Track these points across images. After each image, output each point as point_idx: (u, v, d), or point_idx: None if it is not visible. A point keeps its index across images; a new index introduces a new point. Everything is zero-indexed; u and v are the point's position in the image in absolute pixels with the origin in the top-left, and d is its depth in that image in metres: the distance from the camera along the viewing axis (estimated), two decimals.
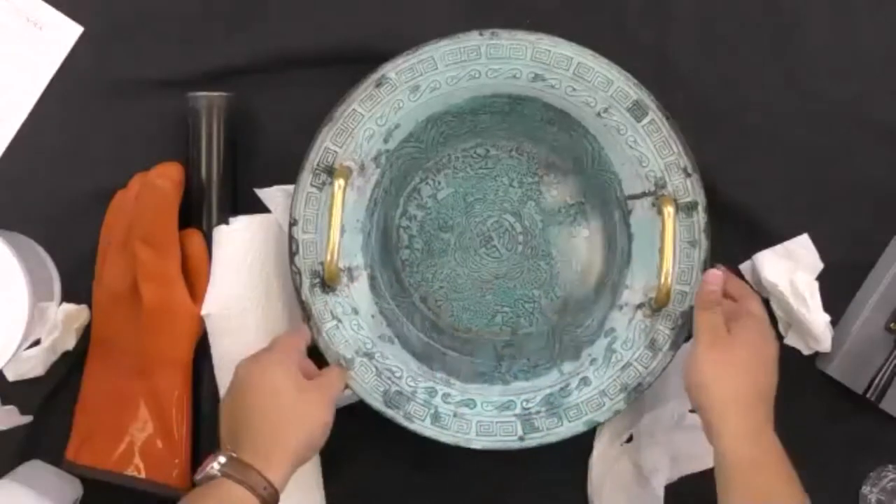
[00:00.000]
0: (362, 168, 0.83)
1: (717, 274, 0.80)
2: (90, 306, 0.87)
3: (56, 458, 0.86)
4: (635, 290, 0.85)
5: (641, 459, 0.88)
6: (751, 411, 0.77)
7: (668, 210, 0.81)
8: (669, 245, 0.81)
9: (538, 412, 0.84)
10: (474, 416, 0.84)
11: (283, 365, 0.76)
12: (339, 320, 0.83)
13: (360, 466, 0.89)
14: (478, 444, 0.84)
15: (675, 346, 0.83)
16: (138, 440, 0.85)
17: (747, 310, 0.81)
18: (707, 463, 0.88)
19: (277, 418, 0.74)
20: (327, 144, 0.81)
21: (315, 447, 0.77)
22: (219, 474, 0.71)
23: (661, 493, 0.88)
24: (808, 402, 0.91)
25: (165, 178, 0.84)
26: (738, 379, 0.77)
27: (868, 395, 0.89)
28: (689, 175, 0.82)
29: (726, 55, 0.91)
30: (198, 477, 0.72)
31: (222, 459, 0.72)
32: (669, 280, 0.81)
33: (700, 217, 0.83)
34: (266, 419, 0.74)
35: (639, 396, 0.84)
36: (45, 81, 0.88)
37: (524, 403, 0.85)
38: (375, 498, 0.90)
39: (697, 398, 0.78)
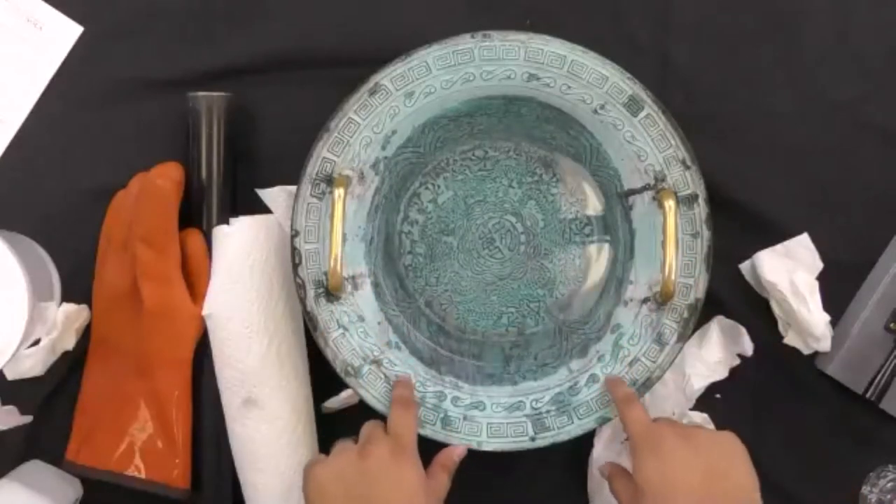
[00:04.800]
0: (361, 176, 0.83)
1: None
2: (90, 306, 0.87)
3: (56, 458, 0.86)
4: (639, 284, 0.85)
5: None
6: None
7: (669, 203, 0.81)
8: (672, 238, 0.81)
9: (548, 411, 0.84)
10: (484, 418, 0.84)
11: (418, 468, 0.74)
12: (346, 329, 0.83)
13: None
14: (489, 445, 0.84)
15: (681, 338, 0.83)
16: (138, 440, 0.85)
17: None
18: None
19: None
20: (325, 154, 0.81)
21: None
22: None
23: None
24: (808, 402, 0.91)
25: (165, 178, 0.84)
26: None
27: (868, 395, 0.89)
28: (688, 167, 0.83)
29: (726, 55, 0.91)
30: None
31: None
32: (673, 273, 0.81)
33: (701, 208, 0.83)
34: None
35: (648, 391, 0.84)
36: (45, 81, 0.88)
37: (533, 403, 0.85)
38: None
39: None
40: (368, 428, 0.78)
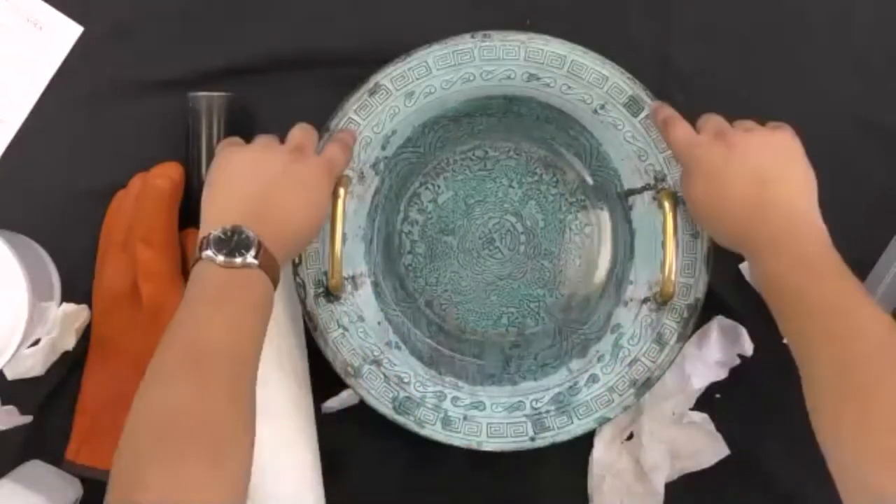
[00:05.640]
0: (361, 176, 0.83)
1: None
2: (90, 306, 0.87)
3: (56, 458, 0.86)
4: (639, 284, 0.85)
5: (642, 457, 0.88)
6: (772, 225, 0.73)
7: (669, 203, 0.81)
8: (671, 238, 0.81)
9: (548, 411, 0.84)
10: (484, 418, 0.84)
11: (329, 191, 0.77)
12: (346, 329, 0.83)
13: (360, 466, 0.89)
14: (489, 445, 0.84)
15: (681, 338, 0.83)
16: None
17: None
18: (707, 461, 0.88)
19: (308, 222, 0.75)
20: None
21: None
22: (256, 264, 0.69)
23: (661, 490, 0.88)
24: None
25: (165, 178, 0.84)
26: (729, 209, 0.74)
27: None
28: None
29: (727, 55, 0.91)
30: (228, 260, 0.69)
31: (252, 251, 0.69)
32: (673, 273, 0.81)
33: None
34: (297, 219, 0.74)
35: (648, 391, 0.84)
36: (45, 81, 0.88)
37: (533, 403, 0.85)
38: (375, 498, 0.90)
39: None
40: (302, 138, 0.77)
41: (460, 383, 0.85)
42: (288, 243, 0.74)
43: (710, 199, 0.75)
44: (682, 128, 0.78)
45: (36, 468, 0.86)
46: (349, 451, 0.88)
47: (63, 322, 0.86)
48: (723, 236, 0.78)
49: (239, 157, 0.75)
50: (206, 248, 0.69)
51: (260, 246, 0.69)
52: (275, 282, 0.71)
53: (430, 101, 0.83)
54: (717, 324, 0.89)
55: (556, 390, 0.85)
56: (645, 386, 0.83)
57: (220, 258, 0.69)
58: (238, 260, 0.69)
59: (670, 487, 0.89)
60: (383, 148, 0.83)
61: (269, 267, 0.70)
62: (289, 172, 0.74)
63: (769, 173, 0.74)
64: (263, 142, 0.77)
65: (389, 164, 0.85)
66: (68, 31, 0.88)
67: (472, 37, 0.81)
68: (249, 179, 0.74)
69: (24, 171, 0.88)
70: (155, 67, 0.88)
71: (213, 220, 0.72)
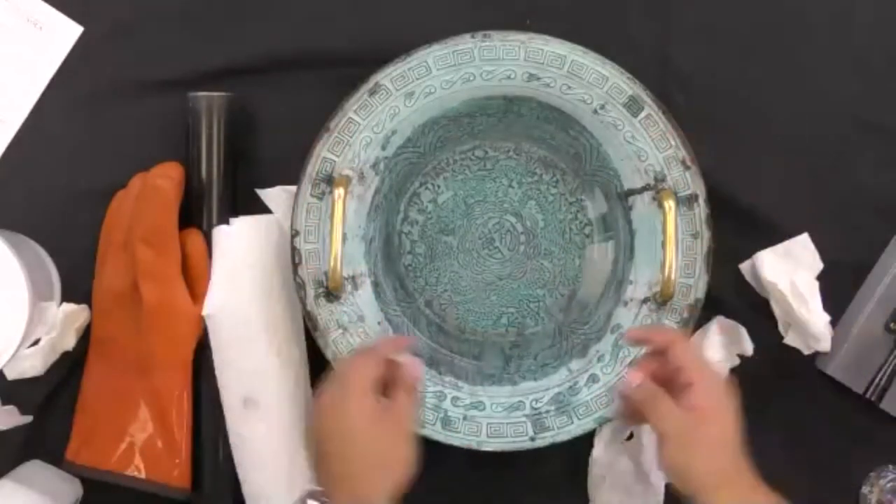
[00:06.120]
0: (361, 176, 0.83)
1: (635, 375, 0.78)
2: (90, 306, 0.87)
3: (56, 458, 0.86)
4: (639, 285, 0.85)
5: (642, 457, 0.88)
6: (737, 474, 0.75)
7: (669, 204, 0.81)
8: (672, 238, 0.81)
9: (547, 411, 0.84)
10: (484, 418, 0.84)
11: (356, 402, 0.73)
12: (346, 329, 0.83)
13: None
14: (489, 446, 0.84)
15: None
16: (138, 440, 0.85)
17: (682, 368, 0.76)
18: None
19: (362, 464, 0.73)
20: (325, 154, 0.81)
21: (404, 481, 0.74)
22: None
23: (661, 490, 0.89)
24: (808, 402, 0.91)
25: (165, 178, 0.84)
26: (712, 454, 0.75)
27: (868, 395, 0.89)
28: (688, 167, 0.83)
29: (727, 56, 0.91)
30: None
31: None
32: (673, 273, 0.81)
33: (701, 209, 0.83)
34: (352, 465, 0.73)
35: None
36: (45, 81, 0.88)
37: (533, 403, 0.85)
38: None
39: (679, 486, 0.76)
40: (347, 369, 0.77)
41: (460, 383, 0.85)
42: (367, 488, 0.73)
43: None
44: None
45: (36, 468, 0.86)
46: None
47: (63, 322, 0.86)
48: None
49: (316, 423, 0.76)
50: None
51: None
52: None
53: (430, 101, 0.83)
54: (717, 324, 0.89)
55: (556, 390, 0.85)
56: None
57: None
58: None
59: (670, 487, 0.89)
60: (383, 148, 0.83)
61: None
62: (326, 427, 0.74)
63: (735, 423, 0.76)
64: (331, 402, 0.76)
65: (389, 164, 0.85)
66: (68, 31, 0.88)
67: (472, 37, 0.81)
68: (315, 448, 0.77)
69: (24, 171, 0.88)
70: (155, 67, 0.88)
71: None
